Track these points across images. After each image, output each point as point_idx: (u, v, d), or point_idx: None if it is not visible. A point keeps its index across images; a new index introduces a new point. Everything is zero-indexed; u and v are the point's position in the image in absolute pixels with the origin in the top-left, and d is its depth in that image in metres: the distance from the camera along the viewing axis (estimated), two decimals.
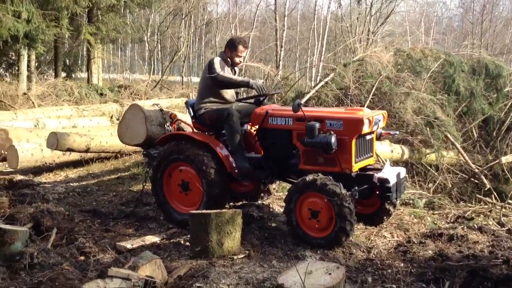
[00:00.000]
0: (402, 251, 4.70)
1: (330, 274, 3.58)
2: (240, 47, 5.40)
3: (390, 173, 4.79)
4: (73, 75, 19.24)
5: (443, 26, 37.52)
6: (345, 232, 4.47)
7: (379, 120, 5.01)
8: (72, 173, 8.22)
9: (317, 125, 4.71)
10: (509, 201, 6.61)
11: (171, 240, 4.90)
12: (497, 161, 8.19)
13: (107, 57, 24.09)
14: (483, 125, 9.60)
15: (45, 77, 17.98)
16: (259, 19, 28.80)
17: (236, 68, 5.64)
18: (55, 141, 7.52)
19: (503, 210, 5.99)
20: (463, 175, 8.56)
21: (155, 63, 29.00)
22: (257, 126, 5.30)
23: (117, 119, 10.46)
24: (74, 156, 8.44)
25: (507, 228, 5.40)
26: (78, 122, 10.35)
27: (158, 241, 4.87)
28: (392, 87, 8.84)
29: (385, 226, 5.27)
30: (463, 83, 9.32)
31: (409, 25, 24.60)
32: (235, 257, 4.29)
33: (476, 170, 8.14)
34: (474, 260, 4.31)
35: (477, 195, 7.29)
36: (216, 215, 4.28)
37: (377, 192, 4.85)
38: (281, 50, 23.06)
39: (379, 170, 4.96)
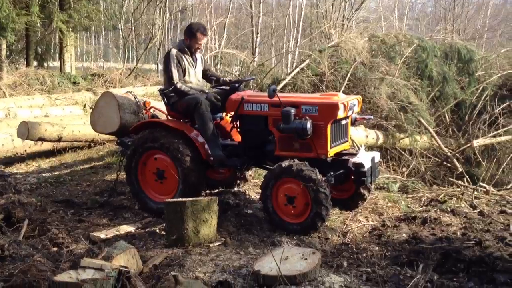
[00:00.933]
0: (376, 234, 4.77)
1: (306, 259, 3.61)
2: (199, 35, 5.29)
3: (365, 158, 4.83)
4: (45, 64, 18.68)
5: (417, 11, 37.81)
6: (321, 217, 4.50)
7: (354, 105, 5.04)
8: (44, 163, 8.04)
9: (293, 110, 4.70)
10: (481, 183, 6.75)
11: (147, 229, 4.85)
12: (469, 144, 8.33)
13: (80, 45, 23.51)
14: (456, 109, 9.76)
15: (17, 66, 17.48)
16: (234, 5, 28.47)
17: (197, 55, 5.47)
18: (25, 130, 7.34)
19: (475, 192, 6.11)
20: (436, 159, 8.70)
21: (130, 51, 28.46)
22: (232, 113, 5.26)
23: (91, 108, 10.24)
24: (46, 146, 8.27)
25: (479, 210, 5.51)
26: (51, 111, 10.09)
27: (133, 231, 4.82)
28: (367, 73, 8.89)
29: (360, 210, 5.32)
30: (435, 68, 9.44)
31: (383, 11, 24.66)
32: (211, 244, 4.27)
33: (449, 154, 8.28)
34: (447, 242, 4.40)
35: (450, 179, 7.44)
36: (192, 203, 4.24)
37: (352, 177, 4.88)
38: (257, 37, 22.93)
39: (354, 155, 4.99)
